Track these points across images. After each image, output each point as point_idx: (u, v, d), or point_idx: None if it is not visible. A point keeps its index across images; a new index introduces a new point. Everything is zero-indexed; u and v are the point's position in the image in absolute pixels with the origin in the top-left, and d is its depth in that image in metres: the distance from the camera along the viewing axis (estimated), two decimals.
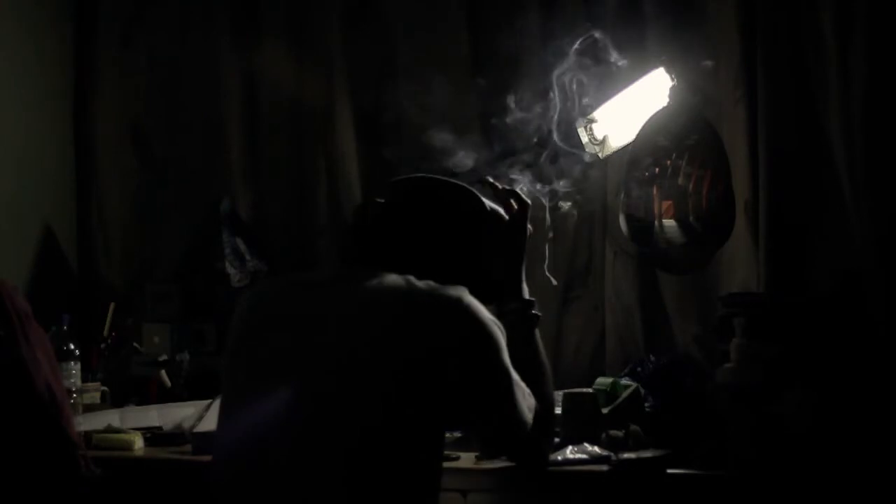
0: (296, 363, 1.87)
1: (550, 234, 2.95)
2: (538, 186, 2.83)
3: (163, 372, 3.05)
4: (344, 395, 1.83)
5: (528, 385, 2.01)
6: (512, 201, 2.23)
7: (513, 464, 2.18)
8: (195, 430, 2.54)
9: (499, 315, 2.01)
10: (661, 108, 2.84)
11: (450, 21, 3.24)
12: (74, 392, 2.87)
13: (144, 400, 2.99)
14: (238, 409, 1.93)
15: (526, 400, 1.99)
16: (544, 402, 2.07)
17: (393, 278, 1.91)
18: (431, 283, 1.91)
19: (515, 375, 1.96)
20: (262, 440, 1.85)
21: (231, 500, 1.89)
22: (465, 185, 2.14)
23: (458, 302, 1.88)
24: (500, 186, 2.25)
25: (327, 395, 1.84)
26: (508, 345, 1.95)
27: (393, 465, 1.82)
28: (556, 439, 2.34)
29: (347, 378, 1.83)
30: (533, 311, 2.19)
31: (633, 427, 2.39)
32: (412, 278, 1.91)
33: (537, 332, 2.18)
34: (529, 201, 2.27)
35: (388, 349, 1.84)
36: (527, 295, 2.21)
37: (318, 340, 1.87)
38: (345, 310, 1.89)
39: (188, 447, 2.54)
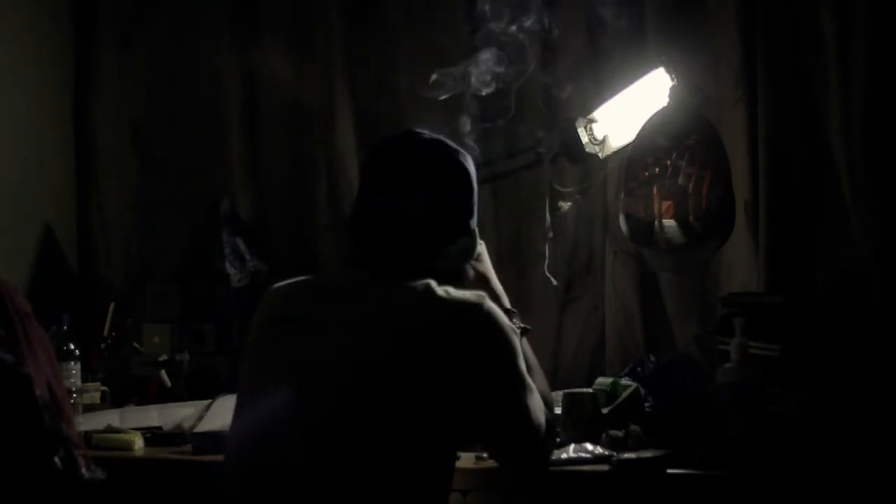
0: (312, 364, 1.87)
1: (550, 234, 2.95)
2: (538, 186, 2.82)
3: (163, 372, 3.04)
4: (358, 396, 1.83)
5: None
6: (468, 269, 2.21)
7: (519, 465, 2.16)
8: (195, 430, 2.54)
9: None
10: (661, 108, 2.84)
11: (450, 21, 3.24)
12: (74, 392, 2.86)
13: (144, 400, 2.99)
14: (251, 407, 1.93)
15: (539, 405, 1.99)
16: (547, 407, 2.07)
17: (413, 282, 1.91)
18: (451, 288, 1.91)
19: (530, 381, 1.97)
20: (271, 439, 1.86)
21: (239, 497, 1.89)
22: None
23: (479, 308, 1.89)
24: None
25: (341, 396, 1.84)
26: None
27: (404, 466, 1.82)
28: (557, 439, 2.34)
29: (363, 380, 1.84)
30: (518, 324, 2.15)
31: (633, 427, 2.39)
32: (432, 283, 1.91)
33: (525, 341, 2.15)
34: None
35: (405, 352, 1.84)
36: (508, 305, 2.22)
37: (334, 342, 1.88)
38: (363, 312, 1.90)
39: (188, 447, 2.53)
